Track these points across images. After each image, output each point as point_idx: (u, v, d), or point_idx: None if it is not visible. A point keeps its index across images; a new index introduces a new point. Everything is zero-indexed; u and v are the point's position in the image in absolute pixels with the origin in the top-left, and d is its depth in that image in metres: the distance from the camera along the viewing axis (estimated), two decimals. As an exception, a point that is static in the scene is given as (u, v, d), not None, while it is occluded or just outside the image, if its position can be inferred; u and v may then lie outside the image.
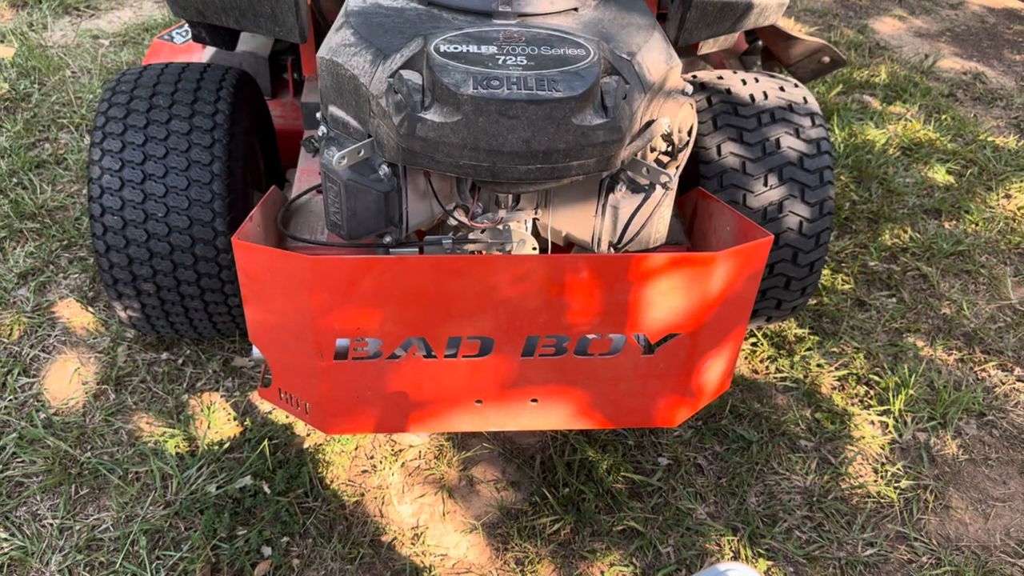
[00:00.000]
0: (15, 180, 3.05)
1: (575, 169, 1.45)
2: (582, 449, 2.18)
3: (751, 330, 2.58)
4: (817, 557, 1.99)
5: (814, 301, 2.73)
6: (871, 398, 2.42)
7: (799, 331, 2.61)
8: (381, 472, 2.12)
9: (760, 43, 2.88)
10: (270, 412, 2.24)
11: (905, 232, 3.10)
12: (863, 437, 2.30)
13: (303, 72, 2.51)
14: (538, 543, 1.98)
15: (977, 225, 3.18)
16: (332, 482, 2.08)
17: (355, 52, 1.50)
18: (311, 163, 2.08)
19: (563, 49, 1.47)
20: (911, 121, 3.84)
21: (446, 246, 1.70)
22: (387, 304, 1.49)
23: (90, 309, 2.53)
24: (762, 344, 2.55)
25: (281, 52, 2.73)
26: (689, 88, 1.65)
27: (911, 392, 2.41)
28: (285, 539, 1.95)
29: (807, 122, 2.05)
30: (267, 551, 1.92)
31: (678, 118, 1.64)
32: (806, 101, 2.10)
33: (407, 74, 1.41)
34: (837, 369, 2.50)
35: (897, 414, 2.37)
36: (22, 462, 2.08)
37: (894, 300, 2.79)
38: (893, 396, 2.41)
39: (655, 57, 1.56)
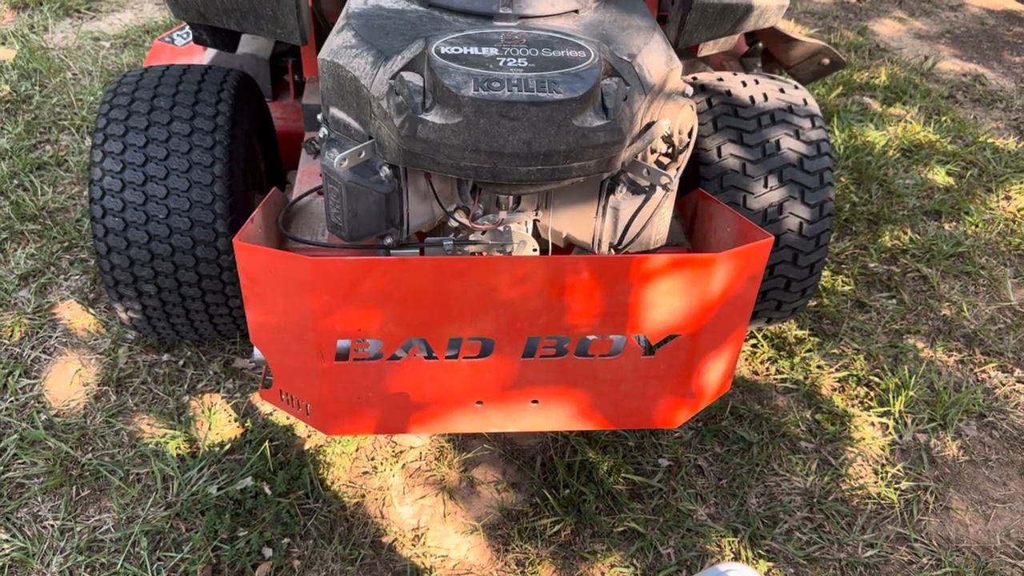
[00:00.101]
0: (16, 182, 3.05)
1: (576, 170, 1.46)
2: (583, 450, 2.18)
3: (751, 331, 2.58)
4: (817, 558, 2.00)
5: (814, 302, 2.74)
6: (871, 399, 2.42)
7: (799, 332, 2.61)
8: (382, 473, 2.12)
9: (760, 45, 2.89)
10: (271, 413, 2.25)
11: (905, 234, 3.10)
12: (863, 438, 2.30)
13: (304, 74, 2.51)
14: (539, 544, 1.98)
15: (977, 227, 3.18)
16: (333, 483, 2.08)
17: (356, 54, 1.50)
18: (312, 165, 2.08)
19: (564, 51, 1.47)
20: (911, 123, 3.84)
21: (447, 247, 1.70)
22: (388, 305, 1.49)
23: (91, 311, 2.53)
24: (762, 345, 2.55)
25: (282, 54, 2.73)
26: (689, 90, 1.65)
27: (911, 393, 2.42)
28: (286, 540, 1.95)
29: (807, 124, 2.05)
30: (268, 552, 1.92)
31: (678, 120, 1.64)
32: (806, 103, 2.11)
33: (408, 76, 1.42)
34: (837, 370, 2.50)
35: (897, 415, 2.37)
36: (23, 463, 2.09)
37: (894, 301, 2.79)
38: (893, 397, 2.41)
39: (655, 59, 1.56)
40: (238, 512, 1.99)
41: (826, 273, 2.87)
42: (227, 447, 2.14)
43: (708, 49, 2.15)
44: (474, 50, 1.45)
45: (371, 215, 1.62)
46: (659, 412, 1.71)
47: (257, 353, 1.68)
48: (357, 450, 2.17)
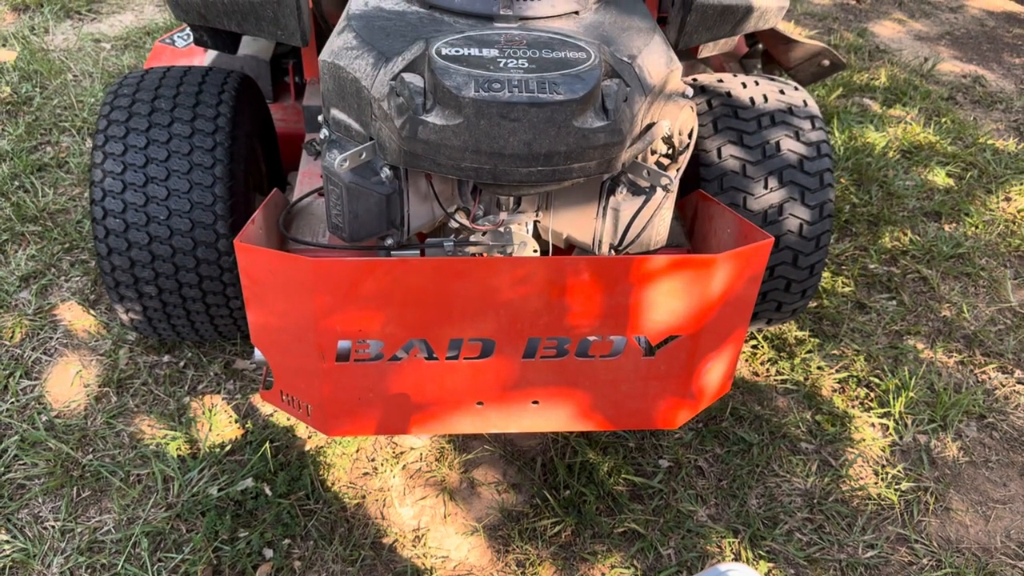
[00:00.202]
0: (17, 183, 3.05)
1: (576, 171, 1.46)
2: (583, 451, 2.18)
3: (751, 332, 2.59)
4: (818, 559, 2.00)
5: (814, 303, 2.74)
6: (871, 400, 2.42)
7: (799, 333, 2.61)
8: (382, 474, 2.12)
9: (760, 46, 2.89)
10: (271, 414, 2.25)
11: (905, 235, 3.10)
12: (863, 439, 2.30)
13: (304, 76, 2.51)
14: (539, 545, 1.98)
15: (977, 228, 3.18)
16: (333, 484, 2.09)
17: (357, 55, 1.51)
18: (313, 166, 2.08)
19: (564, 52, 1.48)
20: (911, 124, 3.84)
21: (447, 248, 1.71)
22: (389, 306, 1.49)
23: (92, 312, 2.54)
24: (762, 346, 2.55)
25: (282, 56, 2.74)
26: (689, 91, 1.65)
27: (911, 394, 2.42)
28: (287, 541, 1.95)
29: (807, 125, 2.05)
30: (268, 553, 1.92)
31: (678, 121, 1.64)
32: (806, 104, 2.11)
33: (409, 77, 1.42)
34: (837, 371, 2.51)
35: (897, 416, 2.37)
36: (24, 464, 2.09)
37: (894, 303, 2.79)
38: (893, 398, 2.41)
39: (655, 60, 1.57)
40: (239, 513, 1.99)
41: (826, 274, 2.87)
42: (228, 448, 2.14)
43: (708, 50, 2.15)
44: (475, 51, 1.45)
45: (372, 216, 1.63)
46: (659, 413, 1.71)
47: (258, 354, 1.68)
48: (358, 451, 2.17)
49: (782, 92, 2.13)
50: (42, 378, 2.33)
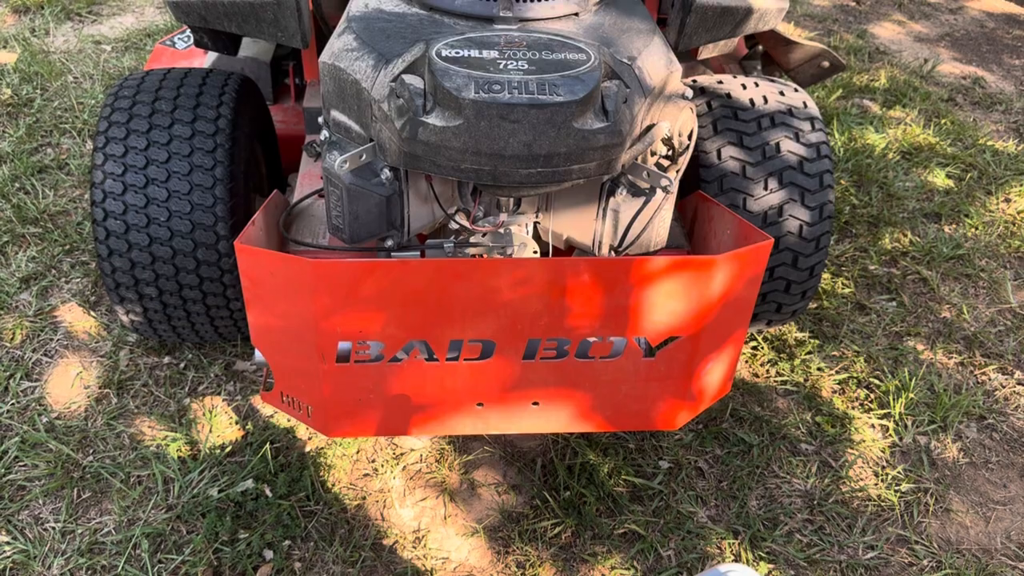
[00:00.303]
0: (17, 185, 3.06)
1: (576, 173, 1.46)
2: (583, 452, 2.18)
3: (751, 334, 2.59)
4: (818, 560, 2.00)
5: (814, 305, 2.74)
6: (871, 401, 2.42)
7: (799, 335, 2.62)
8: (383, 476, 2.12)
9: (760, 48, 2.89)
10: (272, 416, 2.25)
11: (905, 236, 3.10)
12: (863, 440, 2.30)
13: (305, 77, 2.52)
14: (539, 546, 1.98)
15: (977, 229, 3.19)
16: (334, 486, 2.09)
17: (357, 57, 1.51)
18: (313, 167, 2.09)
19: (564, 54, 1.48)
20: (911, 125, 3.85)
21: (447, 250, 1.71)
22: (389, 307, 1.49)
23: (92, 313, 2.54)
24: (762, 348, 2.56)
25: (283, 57, 2.74)
26: (689, 92, 1.65)
27: (911, 395, 2.42)
28: (287, 542, 1.95)
29: (807, 126, 2.06)
30: (269, 554, 1.92)
31: (678, 122, 1.65)
32: (806, 105, 2.11)
33: (409, 79, 1.42)
34: (837, 373, 2.51)
35: (897, 417, 2.37)
36: (24, 466, 2.09)
37: (894, 304, 2.79)
38: (893, 399, 2.41)
39: (655, 61, 1.57)
40: (239, 514, 1.99)
41: (826, 275, 2.87)
42: (228, 449, 2.14)
43: (708, 52, 2.15)
44: (475, 53, 1.46)
45: (372, 217, 1.63)
46: (659, 414, 1.71)
47: (258, 355, 1.68)
48: (358, 452, 2.17)
49: (782, 93, 2.13)
50: (43, 379, 2.33)
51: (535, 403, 1.66)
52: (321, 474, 2.11)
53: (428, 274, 1.46)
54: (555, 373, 1.62)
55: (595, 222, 1.71)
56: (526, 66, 1.44)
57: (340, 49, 1.55)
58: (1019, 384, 2.53)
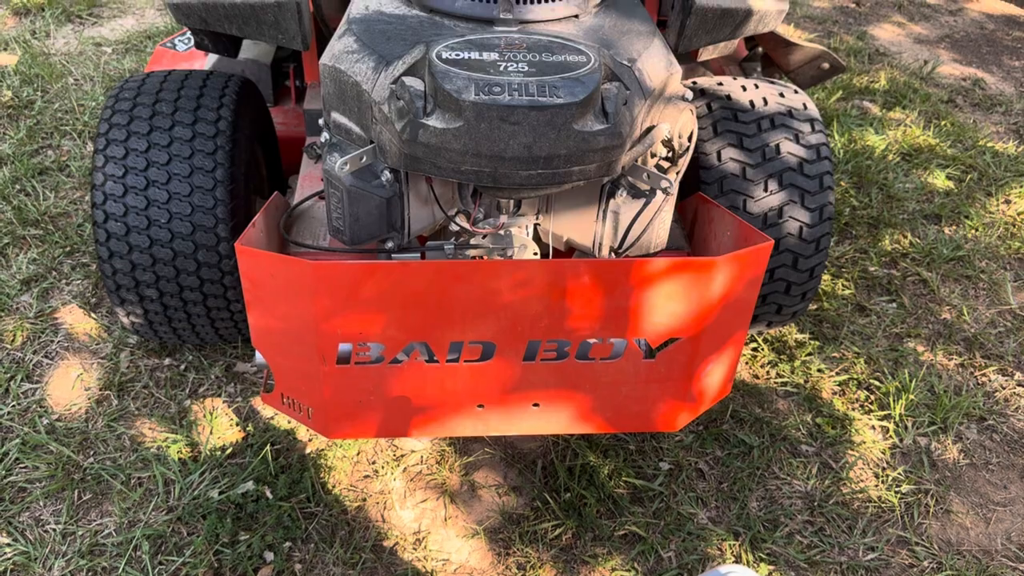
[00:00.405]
0: (18, 187, 3.06)
1: (576, 174, 1.46)
2: (583, 454, 2.18)
3: (752, 335, 2.59)
4: (818, 561, 2.00)
5: (814, 306, 2.74)
6: (872, 403, 2.42)
7: (799, 336, 2.62)
8: (383, 477, 2.12)
9: (760, 49, 2.89)
10: (272, 417, 2.25)
11: (905, 237, 3.11)
12: (864, 442, 2.30)
13: (305, 79, 2.52)
14: (540, 548, 1.98)
15: (977, 230, 3.19)
16: (334, 487, 2.09)
17: (357, 59, 1.51)
18: (313, 169, 2.09)
19: (564, 56, 1.48)
20: (911, 127, 3.85)
21: (448, 251, 1.71)
22: (389, 309, 1.49)
23: (93, 315, 2.54)
24: (763, 349, 2.56)
25: (283, 59, 2.74)
26: (689, 94, 1.66)
27: (912, 397, 2.42)
28: (287, 544, 1.95)
29: (807, 128, 2.06)
30: (269, 556, 1.92)
31: (678, 124, 1.65)
32: (806, 107, 2.11)
33: (409, 80, 1.42)
34: (838, 374, 2.51)
35: (898, 419, 2.37)
36: (25, 467, 2.09)
37: (894, 305, 2.79)
38: (894, 401, 2.41)
39: (655, 63, 1.57)
40: (239, 516, 1.99)
41: (826, 277, 2.87)
42: (228, 451, 2.14)
43: (708, 54, 2.16)
44: (475, 55, 1.46)
45: (372, 219, 1.63)
46: (660, 415, 1.71)
47: (259, 357, 1.68)
48: (358, 454, 2.17)
49: (782, 95, 2.14)
50: (43, 381, 2.33)
51: (535, 405, 1.66)
52: (322, 476, 2.11)
53: (428, 276, 1.46)
54: (555, 375, 1.62)
55: (595, 224, 1.71)
56: (526, 68, 1.44)
57: (340, 51, 1.55)
58: (1019, 385, 2.53)
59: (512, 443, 2.23)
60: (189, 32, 2.66)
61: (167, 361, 2.39)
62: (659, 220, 1.70)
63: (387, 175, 1.57)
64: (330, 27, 2.25)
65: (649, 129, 1.59)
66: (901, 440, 2.32)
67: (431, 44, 1.47)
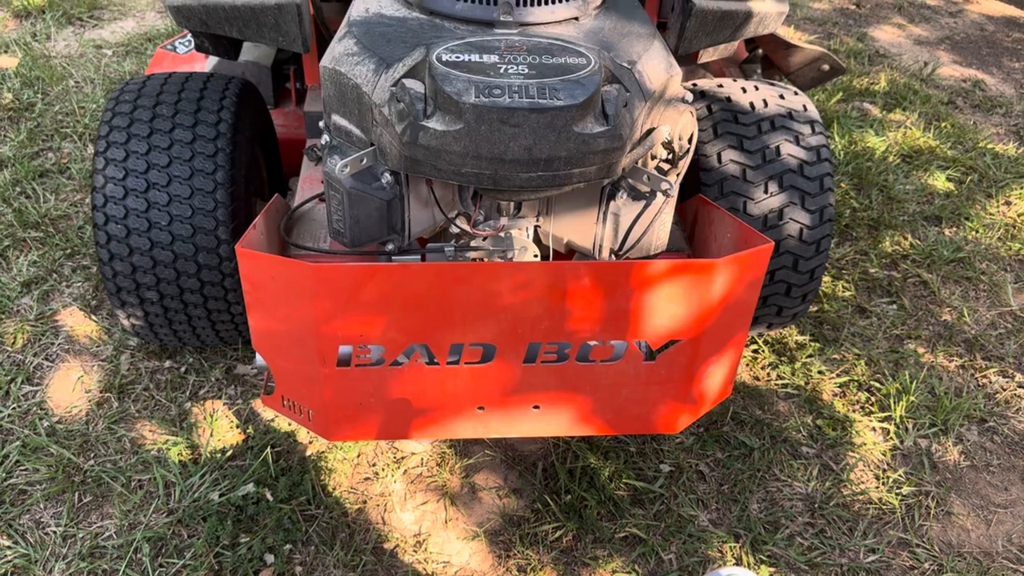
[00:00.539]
0: (18, 189, 3.06)
1: (576, 177, 1.46)
2: (584, 456, 2.18)
3: (752, 337, 2.59)
4: (819, 563, 1.99)
5: (815, 308, 2.74)
6: (872, 405, 2.42)
7: (800, 338, 2.62)
8: (383, 479, 2.12)
9: (760, 51, 2.90)
10: (273, 420, 2.25)
11: (905, 239, 3.11)
12: (864, 444, 2.30)
13: (305, 81, 2.52)
14: (540, 550, 1.98)
15: (977, 232, 3.19)
16: (334, 489, 2.09)
17: (358, 61, 1.51)
18: (314, 171, 2.09)
19: (564, 58, 1.48)
20: (911, 128, 3.85)
21: (448, 253, 1.71)
22: (389, 311, 1.49)
23: (93, 317, 2.54)
24: (763, 351, 2.56)
25: (283, 62, 2.74)
26: (689, 96, 1.66)
27: (912, 399, 2.42)
28: (288, 546, 1.95)
29: (807, 130, 2.06)
30: (270, 558, 1.92)
31: (678, 126, 1.65)
32: (806, 109, 2.11)
33: (409, 83, 1.42)
34: (838, 376, 2.51)
35: (898, 420, 2.37)
36: (25, 470, 2.09)
37: (895, 307, 2.79)
38: (894, 402, 2.41)
39: (655, 65, 1.57)
40: (240, 518, 1.99)
41: (826, 279, 2.87)
42: (229, 453, 2.14)
43: (708, 56, 2.16)
44: (475, 57, 1.46)
45: (373, 221, 1.63)
46: (660, 417, 1.71)
47: (259, 359, 1.68)
48: (358, 456, 2.17)
49: (782, 97, 2.14)
50: (44, 384, 2.33)
51: (536, 407, 1.66)
52: (322, 478, 2.11)
53: (429, 278, 1.46)
54: (556, 377, 1.62)
55: (595, 226, 1.71)
56: (526, 70, 1.44)
57: (341, 53, 1.55)
58: (1020, 387, 2.53)
59: (512, 445, 2.22)
60: (189, 35, 2.66)
61: (167, 363, 2.39)
62: (659, 222, 1.70)
63: (387, 177, 1.58)
64: (330, 29, 2.25)
65: (649, 131, 1.59)
66: (902, 442, 2.32)
67: (431, 46, 1.47)
